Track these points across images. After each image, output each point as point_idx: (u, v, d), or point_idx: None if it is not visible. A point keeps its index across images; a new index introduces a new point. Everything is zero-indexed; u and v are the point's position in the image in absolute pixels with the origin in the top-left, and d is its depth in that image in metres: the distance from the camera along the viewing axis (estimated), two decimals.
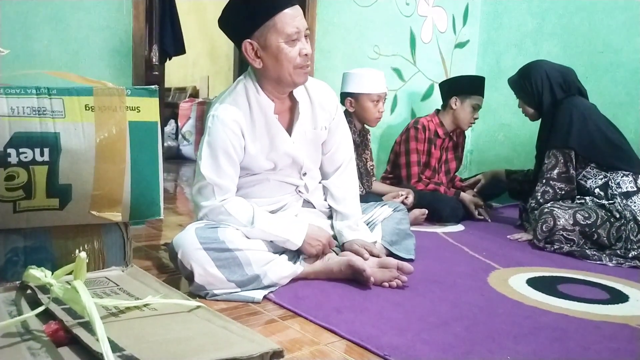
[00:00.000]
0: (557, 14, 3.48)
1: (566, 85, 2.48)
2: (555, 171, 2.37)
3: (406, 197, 2.62)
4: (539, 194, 2.39)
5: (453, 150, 3.09)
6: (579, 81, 2.54)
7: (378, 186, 2.79)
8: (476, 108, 2.94)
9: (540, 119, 2.61)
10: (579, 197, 2.37)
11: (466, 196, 2.88)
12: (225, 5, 1.61)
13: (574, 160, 2.36)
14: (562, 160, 2.36)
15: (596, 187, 2.33)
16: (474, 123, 3.00)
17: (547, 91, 2.49)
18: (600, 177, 2.33)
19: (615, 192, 2.27)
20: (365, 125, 2.64)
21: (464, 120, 2.95)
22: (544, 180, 2.40)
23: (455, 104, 2.94)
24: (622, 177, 2.30)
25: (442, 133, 2.98)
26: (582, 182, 2.37)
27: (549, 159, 2.39)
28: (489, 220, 2.86)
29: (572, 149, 2.35)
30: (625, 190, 2.27)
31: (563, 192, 2.36)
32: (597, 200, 2.30)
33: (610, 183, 2.30)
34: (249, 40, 1.57)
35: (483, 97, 2.98)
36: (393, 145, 3.08)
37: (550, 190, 2.37)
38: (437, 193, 2.83)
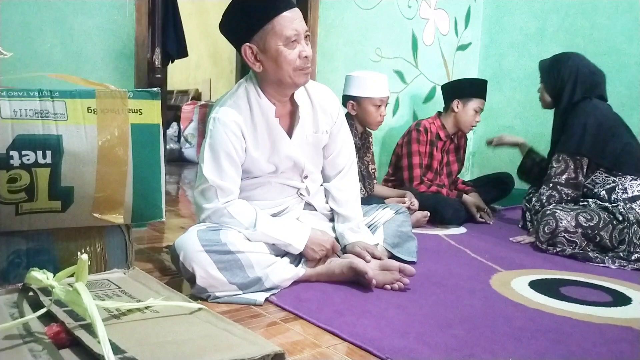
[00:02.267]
0: (559, 16, 3.48)
1: (591, 87, 2.41)
2: (564, 177, 2.34)
3: (411, 203, 2.60)
4: (545, 197, 2.38)
5: (455, 153, 3.09)
6: (605, 86, 2.47)
7: (380, 189, 2.79)
8: (478, 111, 2.94)
9: (552, 110, 2.58)
10: (581, 199, 2.36)
11: (468, 198, 2.88)
12: (225, 9, 1.61)
13: (584, 167, 2.32)
14: (572, 167, 2.32)
15: (602, 190, 2.31)
16: (475, 126, 2.99)
17: (569, 86, 2.43)
18: (609, 182, 2.31)
19: (620, 197, 2.25)
20: (366, 128, 2.63)
21: (465, 123, 2.95)
22: (550, 184, 2.38)
23: (457, 107, 2.94)
24: (630, 181, 2.28)
25: (444, 135, 2.98)
26: (590, 185, 2.35)
27: (559, 163, 2.36)
28: (491, 223, 2.85)
29: (584, 156, 2.31)
30: (630, 195, 2.25)
31: (569, 198, 2.35)
32: (600, 203, 2.29)
33: (617, 189, 2.28)
34: (248, 44, 1.57)
35: (485, 100, 2.97)
36: (395, 148, 3.08)
37: (557, 195, 2.35)
38: (440, 195, 2.83)
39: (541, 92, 2.60)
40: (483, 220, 2.85)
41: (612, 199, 2.28)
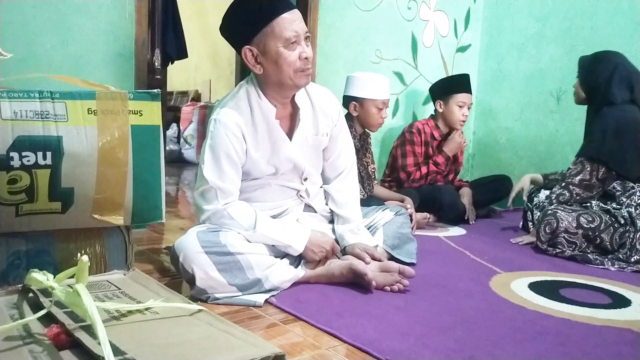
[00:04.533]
0: (559, 18, 3.49)
1: (626, 89, 2.36)
2: (578, 178, 2.32)
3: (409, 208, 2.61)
4: (554, 196, 2.37)
5: None
6: None
7: (380, 190, 2.79)
8: (462, 105, 2.93)
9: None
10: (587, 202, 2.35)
11: (463, 190, 2.93)
12: (225, 12, 1.61)
13: (600, 171, 2.30)
14: (588, 169, 2.30)
15: (623, 197, 2.27)
16: (464, 121, 2.98)
17: (604, 82, 2.38)
18: (629, 187, 2.27)
19: (638, 202, 2.23)
20: (366, 129, 2.64)
21: (452, 120, 2.96)
22: (563, 184, 2.36)
23: (441, 107, 2.97)
24: None
25: (438, 135, 3.00)
26: (611, 191, 2.32)
27: (576, 165, 2.34)
28: (472, 222, 2.86)
29: (602, 163, 2.28)
30: None
31: (578, 197, 2.34)
32: (603, 205, 2.28)
33: (638, 193, 2.24)
34: (248, 46, 1.57)
35: (469, 93, 2.97)
36: (391, 150, 3.09)
37: (567, 193, 2.34)
38: (437, 185, 2.90)
39: (576, 87, 2.54)
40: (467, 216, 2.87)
41: (634, 202, 2.23)
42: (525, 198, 2.66)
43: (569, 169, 2.39)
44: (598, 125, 2.33)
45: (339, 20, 3.17)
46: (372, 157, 2.76)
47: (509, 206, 2.69)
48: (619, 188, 2.31)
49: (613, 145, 2.28)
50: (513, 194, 2.66)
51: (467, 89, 2.98)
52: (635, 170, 2.29)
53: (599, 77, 2.41)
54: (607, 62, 2.43)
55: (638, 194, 2.25)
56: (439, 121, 3.01)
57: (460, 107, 2.93)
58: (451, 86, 2.98)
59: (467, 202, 2.89)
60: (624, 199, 2.26)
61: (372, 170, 2.73)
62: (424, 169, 2.90)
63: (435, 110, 3.02)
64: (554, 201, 2.36)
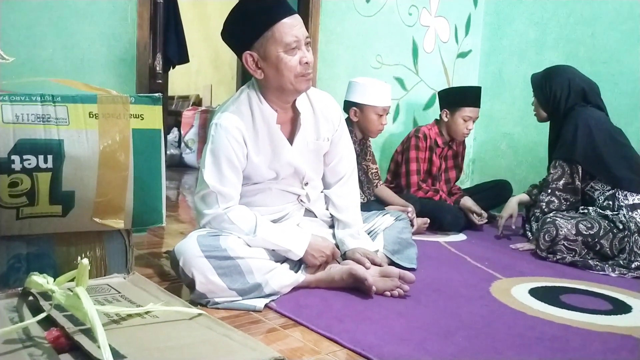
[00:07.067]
0: (559, 24, 3.50)
1: (584, 98, 2.43)
2: (561, 182, 2.36)
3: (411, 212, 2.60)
4: (544, 204, 2.39)
5: (453, 159, 3.10)
6: (601, 98, 2.49)
7: (384, 191, 2.77)
8: (467, 120, 2.90)
9: (548, 122, 2.59)
10: (582, 207, 2.37)
11: (464, 204, 2.89)
12: (226, 17, 1.62)
13: (580, 172, 2.34)
14: (568, 172, 2.35)
15: (604, 200, 2.30)
16: (467, 134, 2.97)
17: (564, 100, 2.45)
18: (608, 188, 2.31)
19: (622, 203, 2.25)
20: (365, 135, 2.64)
21: (456, 132, 2.94)
22: (549, 190, 2.39)
23: (446, 117, 2.94)
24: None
25: (442, 142, 3.00)
26: (590, 192, 2.36)
27: (555, 169, 2.38)
28: (479, 222, 2.84)
29: (577, 163, 2.33)
30: (632, 202, 2.25)
31: (568, 203, 2.36)
32: (601, 211, 2.29)
33: (617, 194, 2.28)
34: (249, 51, 1.57)
35: (477, 107, 2.93)
36: (393, 155, 3.09)
37: (556, 200, 2.37)
38: (439, 202, 2.83)
39: (535, 106, 2.62)
40: (482, 222, 2.85)
41: (615, 205, 2.26)
42: (513, 226, 2.64)
43: (550, 173, 2.41)
44: (568, 127, 2.38)
45: (340, 25, 3.18)
46: (373, 158, 2.75)
47: (500, 233, 2.66)
48: (597, 187, 2.33)
49: (585, 144, 2.31)
50: (502, 221, 2.62)
51: (476, 103, 2.93)
52: (616, 176, 2.29)
53: (556, 95, 2.47)
54: (559, 78, 2.48)
55: (618, 195, 2.26)
56: (443, 129, 2.99)
57: (465, 120, 2.90)
58: (461, 99, 2.93)
59: (470, 213, 2.86)
60: (602, 198, 2.28)
61: (374, 171, 2.73)
62: (430, 194, 2.87)
63: (440, 117, 3.00)
64: (545, 209, 2.37)
